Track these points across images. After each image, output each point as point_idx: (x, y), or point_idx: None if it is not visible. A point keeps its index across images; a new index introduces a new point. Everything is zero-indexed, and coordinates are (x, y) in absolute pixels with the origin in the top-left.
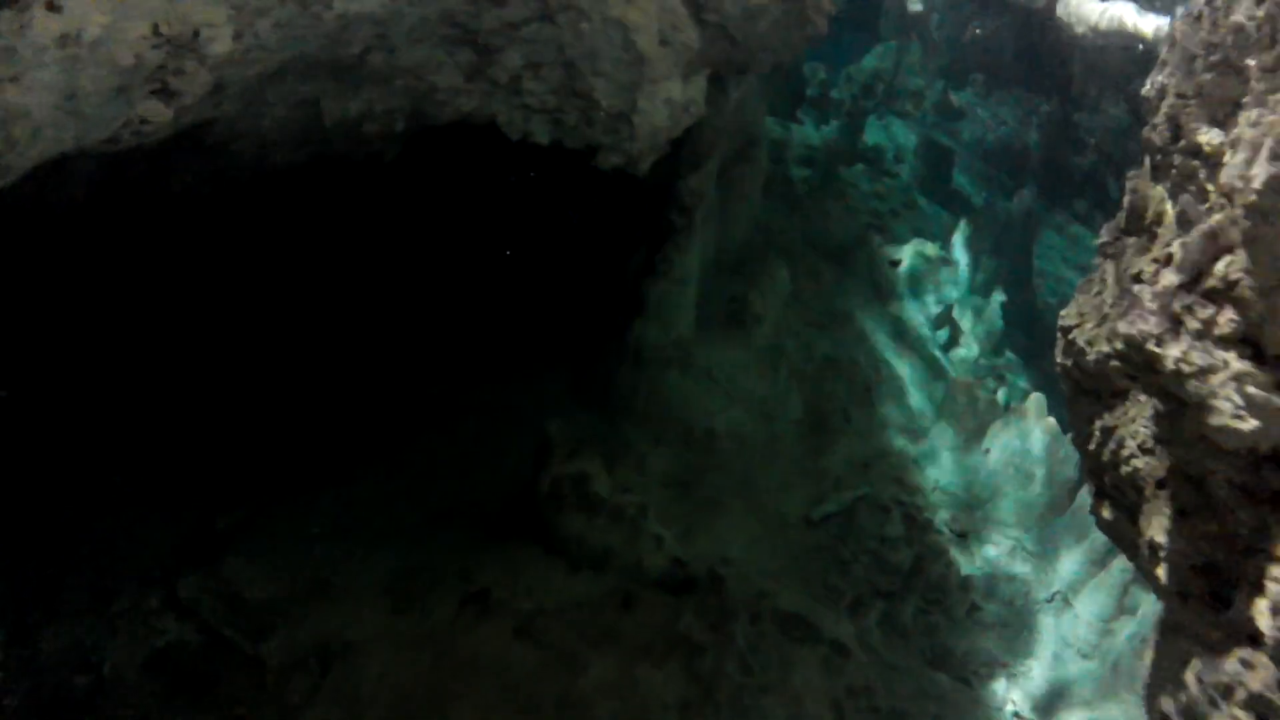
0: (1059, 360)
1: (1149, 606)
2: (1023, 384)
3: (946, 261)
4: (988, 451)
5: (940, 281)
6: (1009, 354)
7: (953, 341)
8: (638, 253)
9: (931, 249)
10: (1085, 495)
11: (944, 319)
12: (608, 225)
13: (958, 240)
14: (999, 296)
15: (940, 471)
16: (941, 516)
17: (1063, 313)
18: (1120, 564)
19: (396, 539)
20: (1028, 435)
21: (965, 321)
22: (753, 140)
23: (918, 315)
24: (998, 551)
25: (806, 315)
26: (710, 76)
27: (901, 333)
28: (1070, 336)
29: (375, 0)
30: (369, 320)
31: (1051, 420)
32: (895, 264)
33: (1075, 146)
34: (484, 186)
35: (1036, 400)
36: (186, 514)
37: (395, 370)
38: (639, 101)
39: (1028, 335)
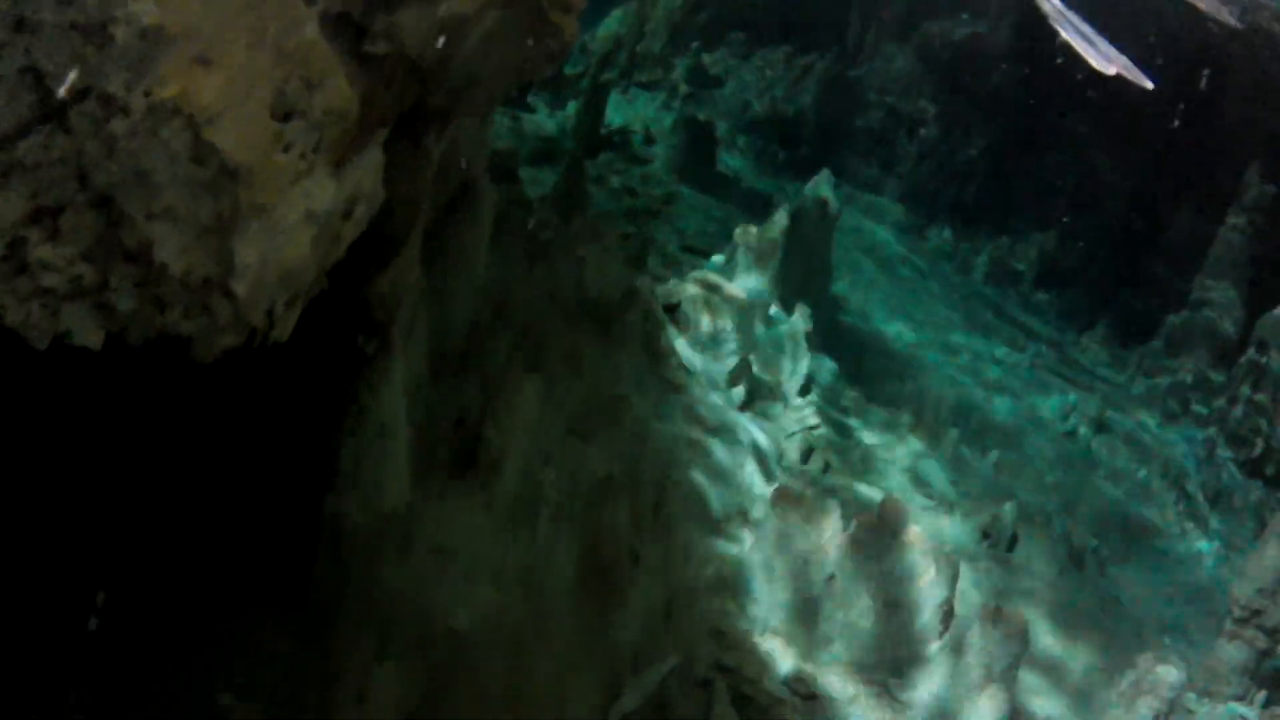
0: None
1: None
2: (850, 442)
3: (731, 296)
4: (831, 578)
5: (728, 321)
6: (821, 390)
7: (751, 399)
8: (320, 395)
9: (710, 277)
10: (969, 625)
11: (741, 371)
12: (277, 361)
13: (739, 255)
14: (800, 322)
15: (769, 609)
16: (780, 675)
17: None
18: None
19: None
20: (882, 548)
21: (762, 365)
22: (471, 185)
23: (707, 377)
24: (861, 711)
25: (565, 420)
26: (395, 130)
27: (692, 410)
28: None
29: None
30: None
31: (915, 530)
32: (671, 309)
33: (857, 105)
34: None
35: (890, 504)
36: None
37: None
38: (239, 250)
39: (832, 351)
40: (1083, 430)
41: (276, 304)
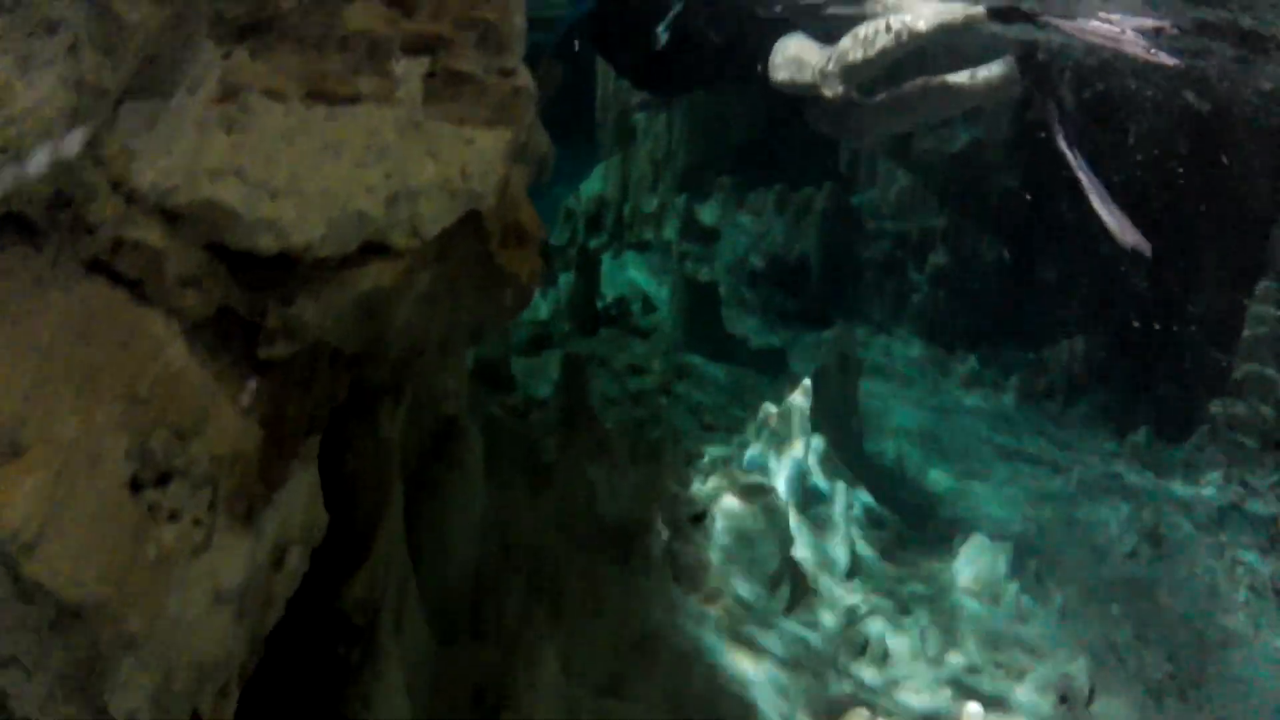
0: None
1: None
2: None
3: (764, 491)
4: None
5: (761, 520)
6: (869, 563)
7: (795, 600)
8: (307, 711)
9: (736, 473)
10: None
11: (782, 572)
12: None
13: (765, 438)
14: (841, 501)
15: None
16: None
17: None
18: None
19: None
20: None
21: (804, 557)
22: (453, 425)
23: (746, 587)
24: None
25: (590, 676)
26: (343, 410)
27: (734, 631)
28: None
29: None
30: None
31: None
32: (698, 519)
33: (861, 237)
34: None
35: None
36: None
37: None
38: (113, 702)
39: (875, 518)
40: (1141, 546)
41: (203, 707)
